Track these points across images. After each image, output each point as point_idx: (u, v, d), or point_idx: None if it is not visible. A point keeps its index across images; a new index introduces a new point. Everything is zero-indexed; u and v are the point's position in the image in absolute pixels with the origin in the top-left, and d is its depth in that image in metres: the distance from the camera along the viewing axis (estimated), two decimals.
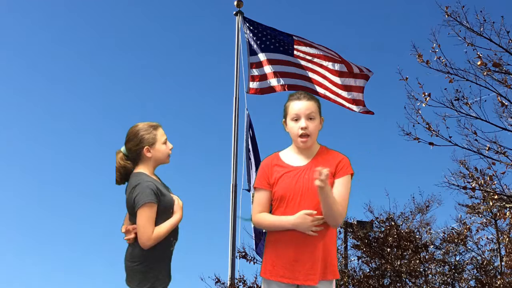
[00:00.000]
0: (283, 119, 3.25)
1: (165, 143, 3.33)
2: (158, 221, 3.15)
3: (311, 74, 11.00)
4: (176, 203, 3.28)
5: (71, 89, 27.39)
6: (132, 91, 27.50)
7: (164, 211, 3.19)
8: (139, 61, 27.75)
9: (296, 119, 3.15)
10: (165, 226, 3.16)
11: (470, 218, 15.76)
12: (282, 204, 3.11)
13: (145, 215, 3.09)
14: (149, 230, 3.09)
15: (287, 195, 3.09)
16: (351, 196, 3.18)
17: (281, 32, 11.28)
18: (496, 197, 10.73)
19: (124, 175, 3.29)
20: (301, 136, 3.14)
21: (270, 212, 3.20)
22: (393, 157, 26.17)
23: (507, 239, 14.34)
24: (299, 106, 3.15)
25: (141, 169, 3.27)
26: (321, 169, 2.88)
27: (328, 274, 3.11)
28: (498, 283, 11.00)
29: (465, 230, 12.77)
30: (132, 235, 3.18)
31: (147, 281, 3.16)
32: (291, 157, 3.22)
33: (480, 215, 15.65)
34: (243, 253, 11.05)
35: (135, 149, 3.27)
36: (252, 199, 10.37)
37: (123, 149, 3.32)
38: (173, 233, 3.26)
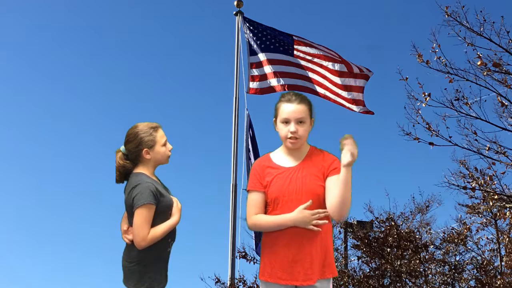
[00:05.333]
0: (274, 119, 3.22)
1: (164, 145, 3.30)
2: (156, 222, 3.15)
3: (311, 74, 10.99)
4: (175, 205, 3.27)
5: (71, 89, 27.42)
6: (132, 91, 27.53)
7: (162, 212, 3.19)
8: (139, 61, 27.78)
9: (286, 122, 3.13)
10: (162, 228, 3.15)
11: (470, 218, 15.78)
12: (277, 206, 3.10)
13: (143, 215, 3.08)
14: (145, 231, 3.09)
15: (280, 197, 3.08)
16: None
17: (281, 32, 11.27)
18: (496, 197, 10.74)
19: (123, 174, 3.28)
20: (290, 138, 3.12)
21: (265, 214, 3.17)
22: (393, 157, 26.18)
23: (507, 239, 14.34)
24: (290, 109, 3.11)
25: (141, 169, 3.27)
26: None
27: (327, 272, 3.10)
28: (498, 283, 11.00)
29: (465, 230, 12.77)
30: (130, 236, 3.18)
31: (144, 281, 3.15)
32: (282, 158, 3.21)
33: (480, 215, 15.66)
34: (243, 253, 11.05)
35: (134, 151, 3.26)
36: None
37: (122, 148, 3.31)
38: (171, 234, 3.25)
